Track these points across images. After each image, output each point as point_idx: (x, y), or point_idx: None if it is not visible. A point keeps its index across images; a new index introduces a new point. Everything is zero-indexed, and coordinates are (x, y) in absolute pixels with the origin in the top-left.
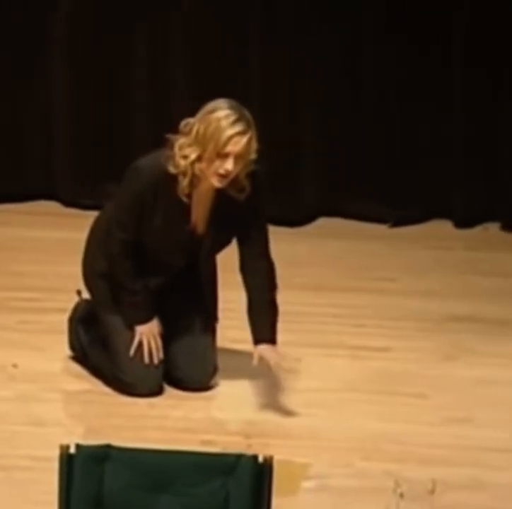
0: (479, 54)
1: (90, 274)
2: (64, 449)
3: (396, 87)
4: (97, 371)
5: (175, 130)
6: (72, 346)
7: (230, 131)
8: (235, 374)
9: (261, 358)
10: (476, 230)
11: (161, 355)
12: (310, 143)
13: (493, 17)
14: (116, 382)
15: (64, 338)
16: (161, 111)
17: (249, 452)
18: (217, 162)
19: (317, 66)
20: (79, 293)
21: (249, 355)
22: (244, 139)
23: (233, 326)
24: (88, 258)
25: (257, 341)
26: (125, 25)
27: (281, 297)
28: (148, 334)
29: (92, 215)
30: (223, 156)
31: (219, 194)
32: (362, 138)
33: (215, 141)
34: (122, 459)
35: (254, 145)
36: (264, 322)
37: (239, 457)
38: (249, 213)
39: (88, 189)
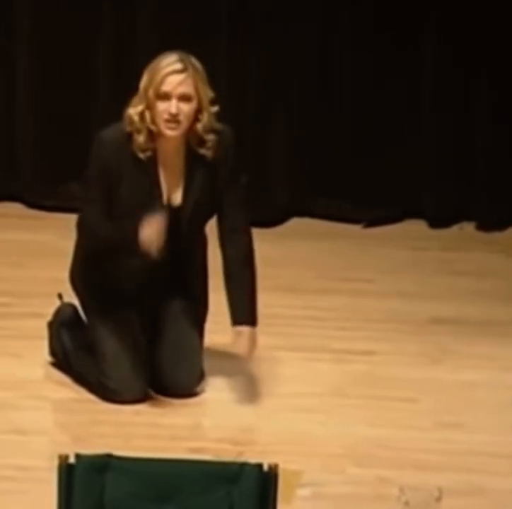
0: (451, 50)
1: (78, 277)
2: (63, 459)
3: (366, 87)
4: (80, 377)
5: None
6: (53, 352)
7: (165, 70)
8: (221, 379)
9: (238, 341)
10: (452, 230)
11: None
12: (282, 143)
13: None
14: (100, 388)
15: (42, 344)
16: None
17: (240, 459)
18: (160, 107)
19: (286, 65)
20: (60, 296)
21: (234, 359)
22: (180, 77)
23: (217, 330)
24: (76, 260)
25: (238, 322)
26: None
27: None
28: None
29: (56, 216)
30: (164, 98)
31: (188, 154)
32: (334, 138)
33: (153, 84)
34: (124, 469)
35: (205, 90)
36: (243, 302)
37: (243, 465)
38: (224, 176)
39: (52, 190)
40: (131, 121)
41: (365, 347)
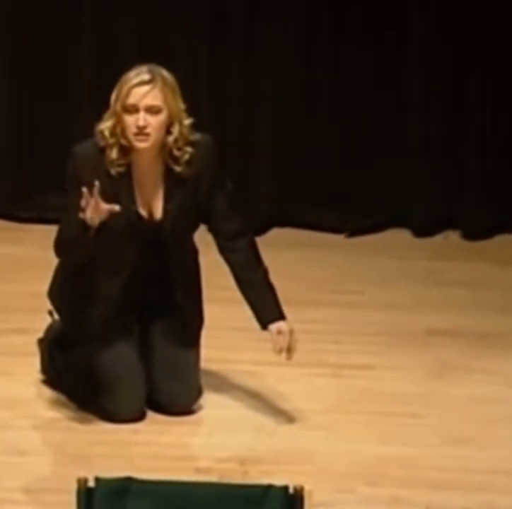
0: (438, 57)
1: (62, 295)
2: (82, 483)
3: (351, 95)
4: (73, 396)
5: None
6: (45, 370)
7: (131, 82)
8: (218, 396)
9: (279, 336)
10: (437, 239)
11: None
12: (263, 151)
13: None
14: (95, 407)
15: (31, 361)
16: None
17: (247, 479)
18: (128, 120)
19: (269, 73)
20: (51, 313)
21: (228, 375)
22: (146, 88)
23: (207, 345)
24: (58, 279)
25: (268, 321)
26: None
27: (247, 314)
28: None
29: (34, 228)
30: (131, 111)
31: (165, 168)
32: (316, 146)
33: (121, 97)
34: (144, 492)
35: (176, 101)
36: (266, 301)
37: (268, 488)
38: (206, 187)
39: (26, 202)
40: (103, 136)
41: (363, 361)
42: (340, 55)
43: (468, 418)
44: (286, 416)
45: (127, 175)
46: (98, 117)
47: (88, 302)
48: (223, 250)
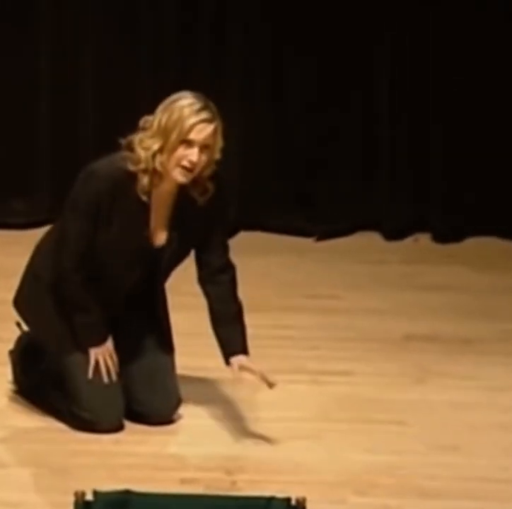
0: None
1: (37, 306)
2: (80, 496)
3: (318, 96)
4: (48, 407)
5: (77, 142)
6: (17, 381)
7: (194, 118)
8: (197, 405)
9: (241, 370)
10: (407, 242)
11: (117, 370)
12: (230, 155)
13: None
14: (73, 418)
15: (0, 371)
16: (65, 125)
17: (235, 490)
18: (180, 152)
19: (235, 75)
20: (19, 325)
21: (206, 383)
22: (209, 127)
23: (180, 352)
24: (31, 287)
25: (231, 353)
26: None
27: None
28: (103, 352)
29: None
30: (187, 145)
31: (180, 197)
32: (283, 148)
33: (178, 129)
34: (144, 506)
35: (220, 140)
36: (234, 334)
37: (270, 499)
38: (211, 220)
39: None
40: (139, 162)
41: (342, 367)
42: (308, 65)
43: (452, 424)
44: (268, 425)
45: (148, 201)
46: (59, 123)
47: (74, 313)
48: (204, 282)
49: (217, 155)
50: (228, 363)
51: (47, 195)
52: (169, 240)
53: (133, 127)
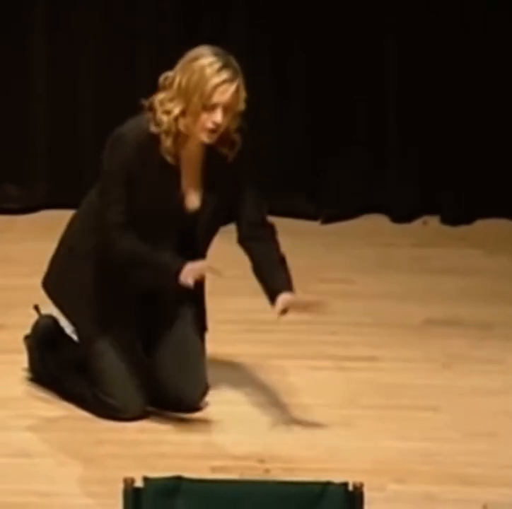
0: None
1: (69, 287)
2: (129, 483)
3: (323, 77)
4: (71, 395)
5: (74, 124)
6: (34, 369)
7: (216, 80)
8: (224, 391)
9: (288, 307)
10: (415, 225)
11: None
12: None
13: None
14: (99, 406)
15: (12, 358)
16: (63, 114)
17: (269, 477)
18: (204, 116)
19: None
20: (37, 308)
21: (232, 370)
22: (232, 88)
23: (213, 339)
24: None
25: (277, 291)
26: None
27: (239, 305)
28: (192, 271)
29: None
30: (210, 108)
31: (208, 156)
32: (289, 131)
33: (200, 92)
34: (195, 492)
35: (243, 94)
36: (279, 275)
37: (326, 485)
38: (243, 175)
39: None
40: (161, 123)
41: (365, 353)
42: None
43: (483, 410)
44: (296, 412)
45: (176, 163)
46: (57, 111)
47: (135, 268)
48: (244, 239)
49: (241, 107)
50: (273, 302)
51: (44, 183)
52: (203, 202)
53: (132, 111)
